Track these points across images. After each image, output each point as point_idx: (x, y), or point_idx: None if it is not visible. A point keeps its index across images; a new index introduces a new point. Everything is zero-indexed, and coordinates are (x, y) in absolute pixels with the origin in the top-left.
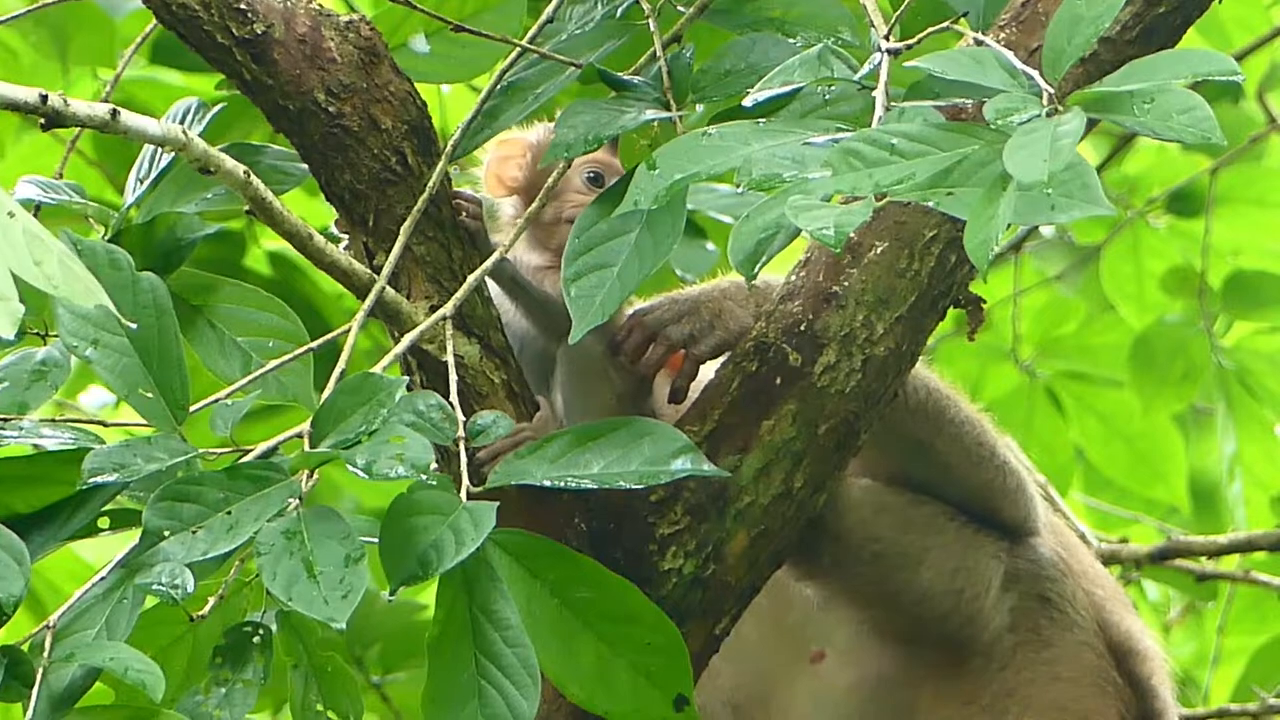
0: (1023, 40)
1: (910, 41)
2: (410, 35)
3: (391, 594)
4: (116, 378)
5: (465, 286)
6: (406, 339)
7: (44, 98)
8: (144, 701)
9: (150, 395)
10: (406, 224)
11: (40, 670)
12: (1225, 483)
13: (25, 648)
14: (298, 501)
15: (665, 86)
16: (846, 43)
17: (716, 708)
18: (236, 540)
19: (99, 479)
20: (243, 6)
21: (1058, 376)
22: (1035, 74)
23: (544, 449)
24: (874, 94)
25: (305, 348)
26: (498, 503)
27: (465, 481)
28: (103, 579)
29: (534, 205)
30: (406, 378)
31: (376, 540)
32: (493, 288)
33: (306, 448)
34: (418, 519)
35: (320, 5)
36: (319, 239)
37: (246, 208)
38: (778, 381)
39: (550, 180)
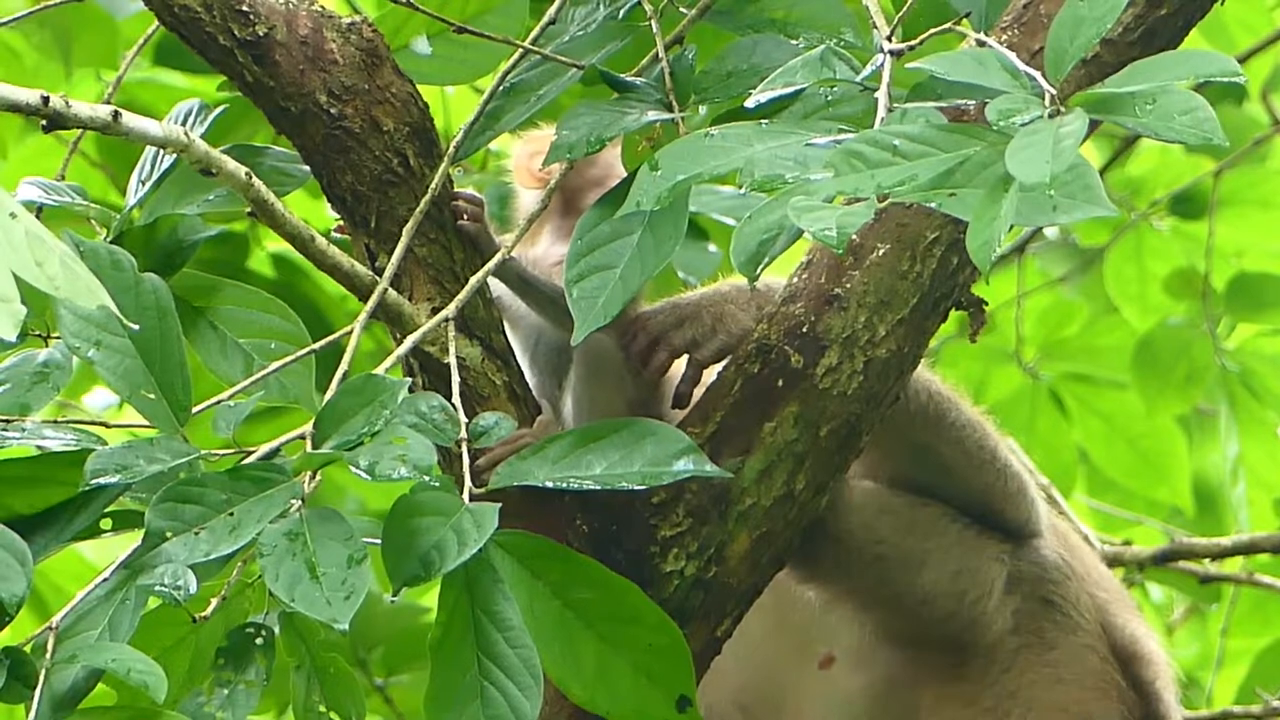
0: (1025, 42)
1: (913, 43)
2: (412, 37)
3: (394, 595)
4: (118, 379)
5: (467, 288)
6: (408, 341)
7: (45, 99)
8: (146, 703)
9: (152, 396)
10: (408, 226)
11: (43, 671)
12: (1228, 485)
13: (28, 649)
14: (300, 503)
15: (667, 88)
16: (849, 44)
17: (725, 707)
18: (239, 541)
19: (101, 480)
20: (244, 8)
21: (1061, 378)
22: (1037, 75)
23: (546, 450)
24: (876, 95)
25: (307, 349)
26: (499, 504)
27: (467, 483)
28: (105, 580)
29: (537, 208)
30: (409, 379)
31: (379, 541)
32: (500, 288)
33: (309, 449)
34: (420, 520)
35: (322, 7)
36: (320, 241)
37: (248, 209)
38: (780, 383)
39: (553, 180)
